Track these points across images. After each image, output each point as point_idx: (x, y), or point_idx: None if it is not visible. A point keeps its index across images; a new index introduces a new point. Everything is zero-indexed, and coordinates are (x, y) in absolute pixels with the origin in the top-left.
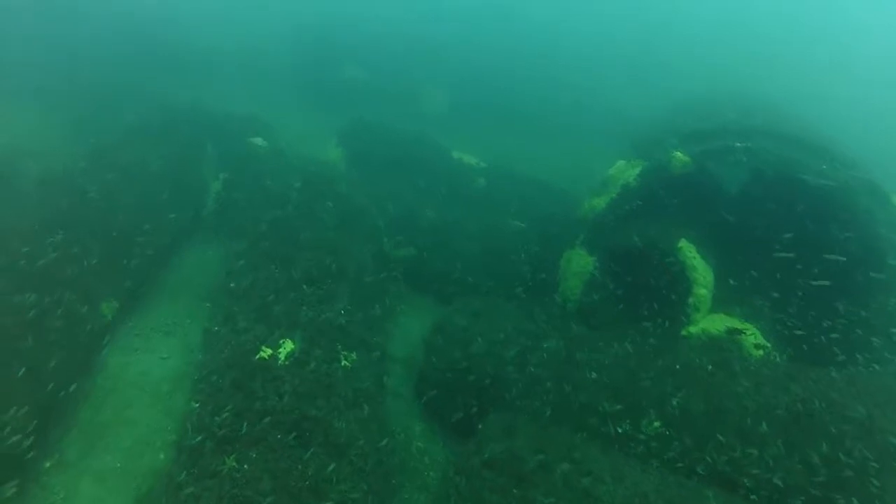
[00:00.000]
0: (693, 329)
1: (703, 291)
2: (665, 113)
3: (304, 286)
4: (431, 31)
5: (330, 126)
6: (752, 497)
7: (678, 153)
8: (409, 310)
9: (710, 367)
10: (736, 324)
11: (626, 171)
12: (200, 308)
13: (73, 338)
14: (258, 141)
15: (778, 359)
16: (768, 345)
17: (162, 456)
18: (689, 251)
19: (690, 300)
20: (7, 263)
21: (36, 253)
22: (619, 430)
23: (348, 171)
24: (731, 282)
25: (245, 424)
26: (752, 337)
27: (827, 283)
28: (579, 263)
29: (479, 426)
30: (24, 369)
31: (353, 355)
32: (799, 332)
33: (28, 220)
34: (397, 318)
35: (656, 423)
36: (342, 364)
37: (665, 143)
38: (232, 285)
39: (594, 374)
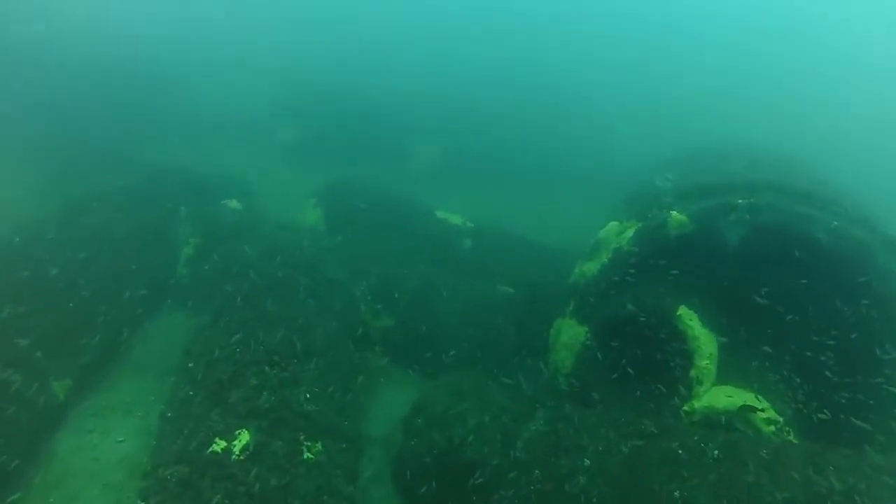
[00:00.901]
0: (696, 404)
1: (705, 363)
2: (662, 164)
3: (267, 368)
4: (416, 80)
5: (310, 185)
6: None
7: (675, 213)
8: (388, 384)
9: (716, 452)
10: (744, 398)
11: (619, 234)
12: (166, 384)
13: (16, 422)
14: (233, 203)
15: (794, 438)
16: (780, 420)
17: None
18: (689, 319)
19: (692, 373)
20: None
21: None
22: None
23: (325, 235)
24: (737, 351)
25: None
26: (764, 413)
27: (844, 351)
28: (570, 334)
29: None
30: None
31: (319, 445)
32: (818, 410)
33: None
34: (376, 394)
35: None
36: (304, 457)
37: (661, 200)
38: (190, 365)
39: (587, 461)
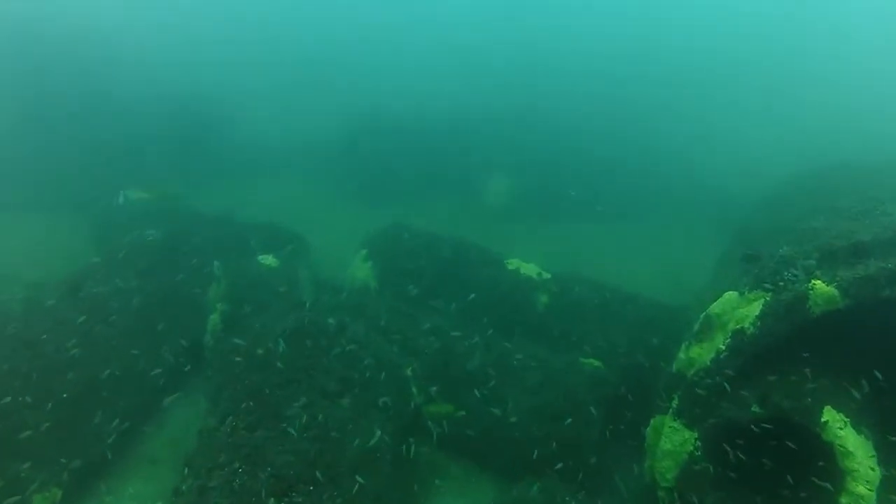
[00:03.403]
0: None
1: (861, 489)
2: (783, 200)
3: (272, 500)
4: (484, 109)
5: (363, 230)
6: None
7: (819, 283)
8: (447, 487)
9: None
10: None
11: (740, 310)
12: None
13: None
14: (269, 260)
15: None
16: None
17: None
18: (838, 427)
19: (843, 501)
20: None
21: None
22: None
23: (375, 293)
24: None
25: None
26: None
27: None
28: (674, 439)
29: None
30: None
31: None
32: None
33: None
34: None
35: None
36: None
37: (795, 261)
38: (183, 488)
39: None
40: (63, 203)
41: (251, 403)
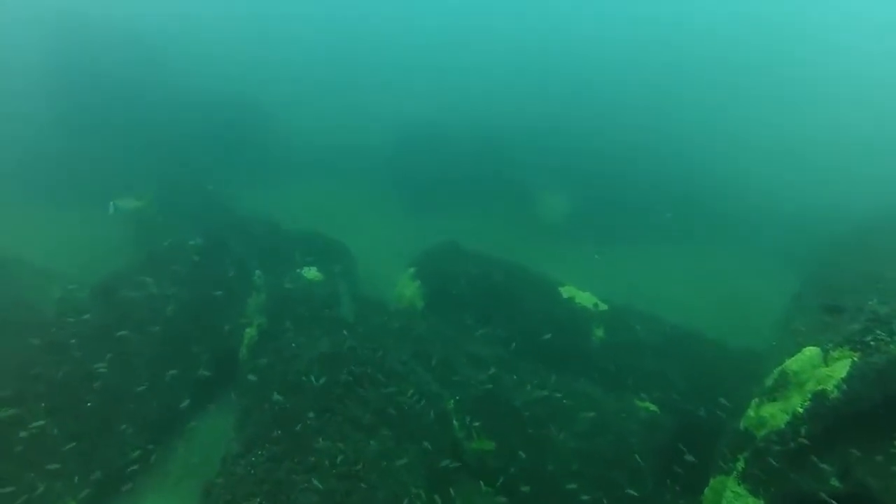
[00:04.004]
0: None
1: None
2: (880, 250)
3: None
4: (543, 119)
5: (412, 245)
6: None
7: None
8: None
9: None
10: None
11: (822, 369)
12: None
13: None
14: (311, 273)
15: None
16: None
17: None
18: None
19: None
20: None
21: None
22: None
23: (420, 316)
24: None
25: None
26: None
27: None
28: None
29: None
30: None
31: None
32: None
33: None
34: None
35: None
36: None
37: (891, 319)
38: None
39: None
40: (107, 198)
41: (279, 432)
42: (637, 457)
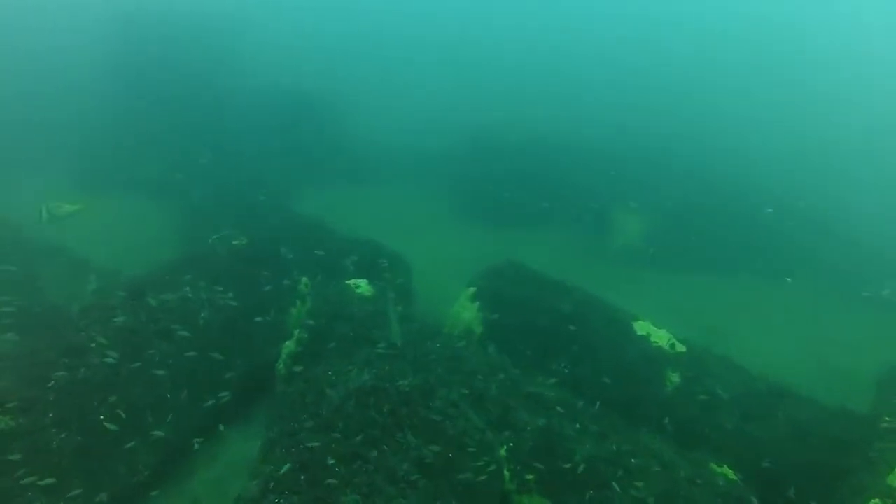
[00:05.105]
0: None
1: None
2: None
3: None
4: (622, 130)
5: (474, 263)
6: None
7: None
8: None
9: None
10: None
11: None
12: None
13: None
14: (361, 286)
15: None
16: None
17: None
18: None
19: None
20: None
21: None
22: None
23: (477, 343)
24: None
25: None
26: None
27: None
28: None
29: None
30: None
31: None
32: None
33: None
34: None
35: None
36: None
37: None
38: None
39: None
40: (155, 190)
41: (302, 478)
42: None
